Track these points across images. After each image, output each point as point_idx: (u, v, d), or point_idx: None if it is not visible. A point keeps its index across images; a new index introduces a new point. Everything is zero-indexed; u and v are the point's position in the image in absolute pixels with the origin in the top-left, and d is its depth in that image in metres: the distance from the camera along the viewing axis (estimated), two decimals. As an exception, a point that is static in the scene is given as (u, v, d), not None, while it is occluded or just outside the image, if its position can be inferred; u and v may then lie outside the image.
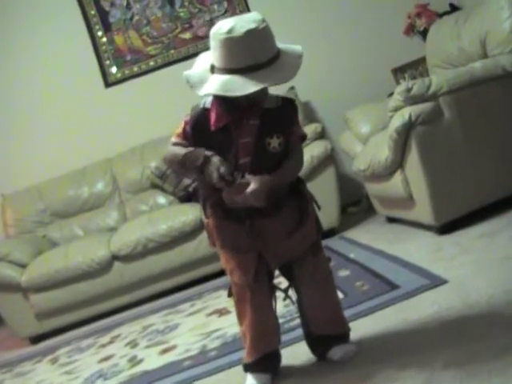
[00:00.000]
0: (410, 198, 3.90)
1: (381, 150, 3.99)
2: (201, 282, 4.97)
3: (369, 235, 4.56)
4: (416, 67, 5.41)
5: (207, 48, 2.35)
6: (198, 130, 2.33)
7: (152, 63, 6.07)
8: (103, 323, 4.86)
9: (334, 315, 2.49)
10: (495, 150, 3.71)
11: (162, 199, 5.67)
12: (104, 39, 6.05)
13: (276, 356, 2.51)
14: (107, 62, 6.07)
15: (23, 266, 5.09)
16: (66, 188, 5.87)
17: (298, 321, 2.67)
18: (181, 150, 2.33)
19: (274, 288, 2.48)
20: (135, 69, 6.08)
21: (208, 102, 2.34)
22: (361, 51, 5.89)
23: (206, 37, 5.81)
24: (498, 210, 3.65)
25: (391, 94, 4.30)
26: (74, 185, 5.87)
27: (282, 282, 2.57)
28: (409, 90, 3.61)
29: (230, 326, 3.26)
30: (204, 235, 2.54)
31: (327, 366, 2.42)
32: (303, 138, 2.45)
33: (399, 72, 5.49)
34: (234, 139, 2.29)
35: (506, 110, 3.72)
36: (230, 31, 2.13)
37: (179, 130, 2.37)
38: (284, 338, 2.58)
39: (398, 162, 3.87)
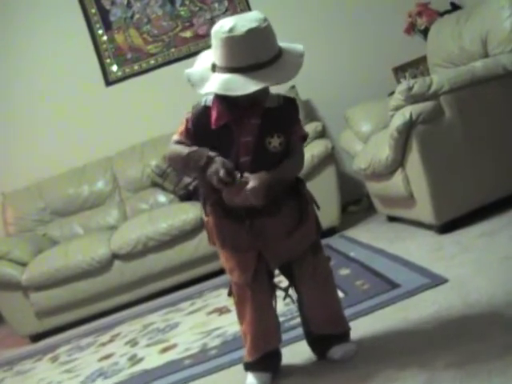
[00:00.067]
0: (411, 196, 3.90)
1: (381, 149, 3.99)
2: (201, 281, 4.97)
3: (369, 234, 4.55)
4: (417, 66, 5.41)
5: (208, 47, 2.35)
6: (199, 127, 2.32)
7: (152, 62, 6.07)
8: (103, 322, 4.85)
9: (335, 314, 2.49)
10: (496, 149, 3.71)
11: (162, 198, 5.67)
12: (104, 38, 6.05)
13: (276, 355, 2.51)
14: (108, 61, 6.07)
15: (23, 264, 5.09)
16: (66, 186, 5.87)
17: (298, 320, 2.66)
18: (183, 149, 2.32)
19: (274, 287, 2.48)
20: (136, 67, 6.08)
21: (209, 100, 2.34)
22: (361, 50, 5.89)
23: (207, 35, 5.87)
24: (498, 209, 3.65)
25: (392, 93, 4.31)
26: (74, 183, 5.88)
27: (282, 280, 2.56)
28: (410, 88, 3.61)
29: (231, 324, 3.26)
30: (204, 234, 2.53)
31: (327, 365, 2.42)
32: (304, 137, 2.44)
33: (400, 71, 5.49)
34: (235, 138, 2.29)
35: (507, 109, 3.72)
36: (231, 30, 2.13)
37: (181, 127, 2.37)
38: (284, 336, 2.58)
39: (399, 161, 3.87)
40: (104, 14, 6.04)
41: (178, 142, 2.36)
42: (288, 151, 2.34)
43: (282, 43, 2.27)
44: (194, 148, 2.30)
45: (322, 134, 5.13)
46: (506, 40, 3.85)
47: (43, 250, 5.30)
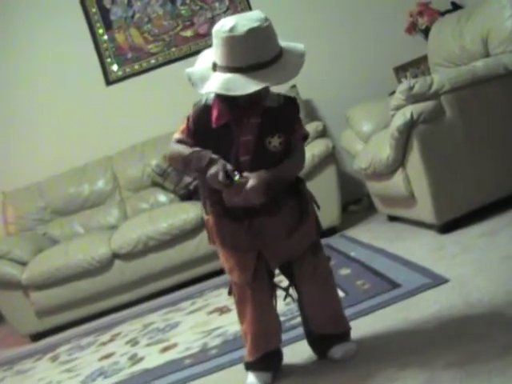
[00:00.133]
0: (412, 196, 3.90)
1: (382, 149, 3.99)
2: (202, 280, 4.97)
3: (370, 234, 4.55)
4: (418, 66, 5.40)
5: (208, 46, 2.35)
6: (200, 126, 2.32)
7: (153, 61, 6.07)
8: (104, 321, 4.85)
9: (335, 314, 2.49)
10: (497, 148, 3.71)
11: (162, 197, 5.67)
12: (105, 37, 6.05)
13: (277, 354, 2.50)
14: (108, 60, 6.07)
15: (24, 263, 5.09)
16: (66, 186, 5.87)
17: (298, 319, 2.66)
18: (185, 149, 2.32)
19: (274, 286, 2.48)
20: (136, 67, 6.07)
21: (210, 98, 2.33)
22: (362, 50, 5.89)
23: (207, 35, 5.88)
24: (499, 208, 3.65)
25: (393, 93, 4.31)
26: (75, 182, 5.88)
27: (282, 280, 2.56)
28: (410, 88, 3.61)
29: (231, 324, 3.26)
30: (205, 233, 2.53)
31: (328, 364, 2.42)
32: (305, 137, 2.43)
33: (401, 70, 5.48)
34: (235, 137, 2.29)
35: (508, 108, 3.72)
36: (232, 29, 2.12)
37: (182, 126, 2.37)
38: (285, 336, 2.57)
39: (400, 161, 3.87)
40: (104, 13, 6.04)
41: (180, 141, 2.36)
42: (288, 151, 2.34)
43: (283, 42, 2.26)
44: (197, 149, 2.29)
45: (323, 133, 5.13)
46: (507, 39, 3.85)
47: (43, 249, 5.30)
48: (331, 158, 4.98)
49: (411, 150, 3.72)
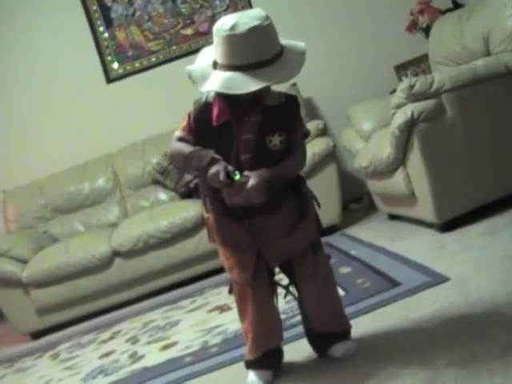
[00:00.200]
0: (412, 195, 3.90)
1: (383, 147, 3.99)
2: (202, 279, 4.96)
3: (370, 232, 4.55)
4: (418, 64, 5.40)
5: (209, 44, 2.35)
6: (201, 123, 2.32)
7: (154, 59, 6.06)
8: (104, 319, 4.85)
9: (335, 313, 2.49)
10: (497, 147, 3.71)
11: (163, 195, 5.67)
12: (106, 35, 6.05)
13: (278, 353, 2.51)
14: (109, 58, 6.06)
15: (24, 261, 5.09)
16: (66, 183, 5.87)
17: (299, 317, 2.67)
18: (186, 148, 2.31)
19: (275, 285, 2.48)
20: (137, 65, 6.07)
21: (210, 96, 2.33)
22: (363, 48, 5.89)
23: (208, 33, 5.87)
24: (499, 208, 3.65)
25: (393, 91, 4.30)
26: (75, 180, 5.87)
27: (282, 278, 2.56)
28: (411, 87, 3.61)
29: (231, 322, 3.26)
30: (205, 231, 2.53)
31: (328, 362, 2.42)
32: (306, 135, 2.43)
33: (401, 69, 5.48)
34: (236, 135, 2.28)
35: (509, 107, 3.72)
36: (232, 28, 2.12)
37: (183, 123, 2.36)
38: (285, 334, 2.57)
39: (400, 160, 3.87)
40: (105, 11, 6.04)
41: (180, 139, 2.35)
42: (289, 149, 2.33)
43: (284, 40, 2.26)
44: (197, 148, 2.29)
45: (324, 132, 5.12)
46: (508, 38, 3.84)
47: (44, 247, 5.30)
48: (332, 156, 4.98)
49: (412, 148, 3.72)
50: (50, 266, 4.99)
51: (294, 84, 5.35)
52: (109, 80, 6.09)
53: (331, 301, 2.49)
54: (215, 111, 2.30)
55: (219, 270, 4.54)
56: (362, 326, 2.62)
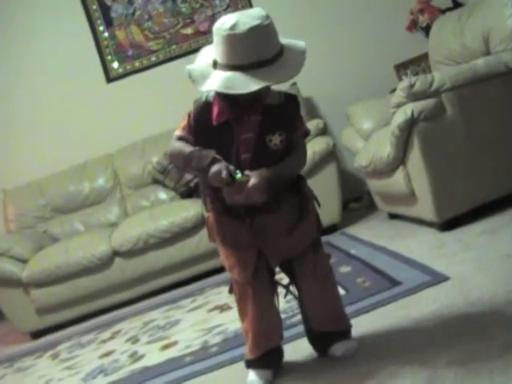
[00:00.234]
0: (412, 194, 3.90)
1: (383, 147, 3.99)
2: (202, 278, 4.96)
3: (370, 231, 4.55)
4: (418, 63, 5.40)
5: (209, 43, 2.34)
6: (201, 122, 2.32)
7: (153, 58, 6.07)
8: (104, 319, 4.85)
9: (335, 312, 2.49)
10: (497, 146, 3.71)
11: (163, 195, 5.67)
12: (106, 34, 6.05)
13: (278, 352, 2.50)
14: (109, 57, 6.06)
15: (24, 261, 5.09)
16: (66, 183, 5.87)
17: (299, 317, 2.67)
18: (186, 148, 2.31)
19: (275, 284, 2.48)
20: (137, 64, 6.07)
21: (210, 95, 2.32)
22: (363, 47, 5.89)
23: (208, 32, 5.87)
24: (499, 207, 3.64)
25: (393, 91, 4.30)
26: (75, 180, 5.87)
27: (283, 278, 2.56)
28: (411, 86, 3.61)
29: (232, 321, 3.26)
30: (205, 231, 2.53)
31: (329, 362, 2.42)
32: (306, 134, 2.43)
33: (401, 68, 5.48)
34: (236, 135, 2.28)
35: (509, 106, 3.71)
36: (233, 27, 2.12)
37: (183, 122, 2.36)
38: (285, 333, 2.57)
39: (400, 159, 3.87)
40: (105, 10, 6.04)
41: (180, 138, 2.35)
42: (289, 148, 2.33)
43: (284, 39, 2.26)
44: (197, 148, 2.29)
45: (324, 131, 5.13)
46: (508, 37, 3.84)
47: (44, 246, 5.30)
48: (332, 155, 4.98)
49: (412, 147, 3.72)
50: (50, 265, 4.99)
51: (294, 83, 5.35)
52: (109, 79, 6.09)
53: (331, 300, 2.49)
54: (215, 111, 2.30)
55: (219, 270, 4.54)
56: (362, 325, 2.62)
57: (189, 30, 6.04)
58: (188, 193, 5.37)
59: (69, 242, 5.27)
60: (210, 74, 2.21)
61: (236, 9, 5.84)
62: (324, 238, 2.57)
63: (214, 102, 2.30)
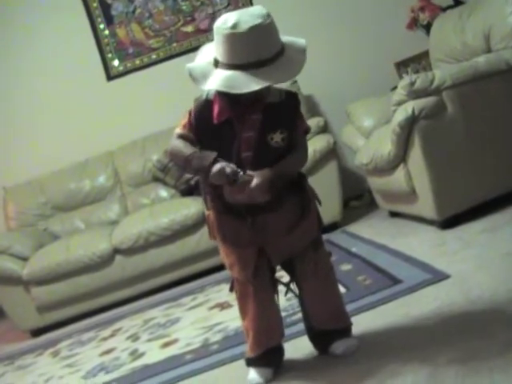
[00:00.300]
0: (413, 192, 3.89)
1: (383, 144, 3.98)
2: (202, 276, 4.96)
3: (371, 229, 4.55)
4: (419, 61, 5.40)
5: (209, 41, 2.33)
6: (201, 121, 2.31)
7: (154, 56, 6.06)
8: (104, 316, 4.85)
9: (336, 310, 2.49)
10: (498, 144, 3.70)
11: (163, 192, 5.67)
12: (106, 32, 6.05)
13: (279, 350, 2.50)
14: (109, 55, 6.06)
15: (24, 259, 5.09)
16: (67, 181, 5.87)
17: (299, 315, 2.66)
18: (187, 148, 2.30)
19: (276, 282, 2.48)
20: (137, 62, 6.07)
21: (211, 93, 2.32)
22: (363, 45, 5.88)
23: (208, 30, 5.86)
24: (500, 205, 3.64)
25: (394, 88, 4.30)
26: (76, 178, 5.87)
27: (283, 275, 2.55)
28: (412, 84, 3.60)
29: (232, 319, 3.26)
30: (206, 229, 2.53)
31: (329, 360, 2.42)
32: (307, 131, 2.43)
33: (402, 66, 5.47)
34: (237, 133, 2.28)
35: (509, 104, 3.71)
36: (234, 26, 2.11)
37: (184, 120, 2.35)
38: (286, 331, 2.57)
39: (401, 157, 3.87)
40: (106, 8, 6.03)
41: (181, 136, 2.34)
42: (291, 146, 2.33)
43: (284, 37, 2.25)
44: (197, 149, 2.28)
45: (324, 129, 5.13)
46: (509, 35, 3.84)
47: (44, 244, 5.30)
48: (332, 153, 4.97)
49: (412, 145, 3.71)
50: (50, 263, 4.99)
51: (295, 81, 5.34)
52: (109, 77, 6.08)
53: (332, 298, 2.49)
54: (216, 109, 2.29)
55: (220, 268, 4.53)
56: (362, 323, 2.62)
57: (189, 28, 6.03)
58: (188, 190, 5.37)
59: (69, 239, 5.27)
60: (210, 72, 2.20)
61: (236, 7, 5.83)
62: (325, 236, 2.58)
63: (215, 101, 2.30)
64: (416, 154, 3.71)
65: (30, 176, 5.90)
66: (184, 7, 6.02)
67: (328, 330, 2.44)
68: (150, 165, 5.73)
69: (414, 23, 5.38)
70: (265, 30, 2.14)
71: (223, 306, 3.73)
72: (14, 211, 5.82)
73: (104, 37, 6.05)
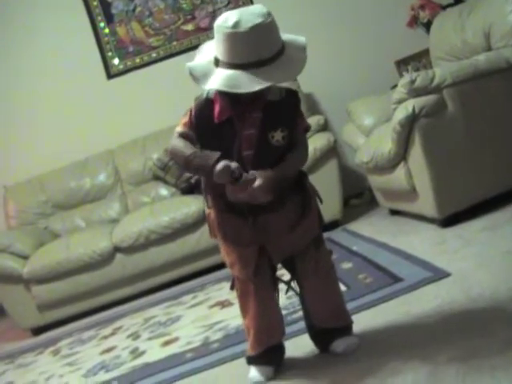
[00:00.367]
0: (413, 190, 3.89)
1: (384, 143, 3.98)
2: (203, 274, 4.97)
3: (371, 228, 4.55)
4: (419, 59, 5.39)
5: (209, 40, 2.33)
6: (202, 120, 2.31)
7: (154, 55, 6.06)
8: (105, 315, 4.86)
9: (337, 308, 2.49)
10: (498, 142, 3.70)
11: (164, 191, 5.67)
12: (106, 30, 6.05)
13: (280, 348, 2.50)
14: (109, 54, 6.06)
15: (25, 257, 5.09)
16: (67, 179, 5.87)
17: (300, 313, 2.66)
18: (187, 148, 2.30)
19: (276, 280, 2.48)
20: (137, 60, 6.07)
21: (211, 92, 2.31)
22: (364, 43, 5.88)
23: (209, 28, 5.86)
24: (500, 203, 3.64)
25: (394, 86, 4.30)
26: (76, 176, 5.88)
27: (284, 274, 2.55)
28: (412, 82, 3.60)
29: (233, 317, 3.26)
30: (206, 227, 2.53)
31: (330, 358, 2.42)
32: (307, 129, 2.43)
33: (402, 64, 5.47)
34: (237, 132, 2.28)
35: (510, 102, 3.71)
36: (235, 25, 2.10)
37: (185, 118, 2.35)
38: (287, 330, 2.57)
39: (401, 155, 3.86)
40: (106, 6, 6.03)
41: (182, 134, 2.34)
42: (291, 144, 2.33)
43: (285, 35, 2.25)
44: (198, 148, 2.28)
45: (325, 127, 5.12)
46: (509, 33, 3.84)
47: (45, 243, 5.31)
48: (333, 151, 4.97)
49: (413, 143, 3.71)
50: (50, 261, 4.99)
51: (295, 79, 5.34)
52: (109, 76, 6.09)
53: (333, 296, 2.49)
54: (217, 108, 2.29)
55: (220, 266, 4.54)
56: (363, 321, 2.62)
57: (189, 27, 6.03)
58: (189, 189, 5.37)
59: (70, 238, 5.27)
60: (211, 71, 2.20)
61: (237, 5, 5.82)
62: (325, 235, 2.58)
63: (215, 100, 2.30)
64: (416, 152, 3.71)
65: (30, 174, 5.91)
66: (184, 5, 6.02)
67: (329, 328, 2.45)
68: (150, 163, 5.73)
69: (414, 21, 5.38)
70: (266, 29, 2.14)
71: (224, 304, 3.73)
72: (15, 210, 5.83)
73: (104, 35, 6.05)
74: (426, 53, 5.11)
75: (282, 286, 2.50)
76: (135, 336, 3.76)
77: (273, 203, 2.28)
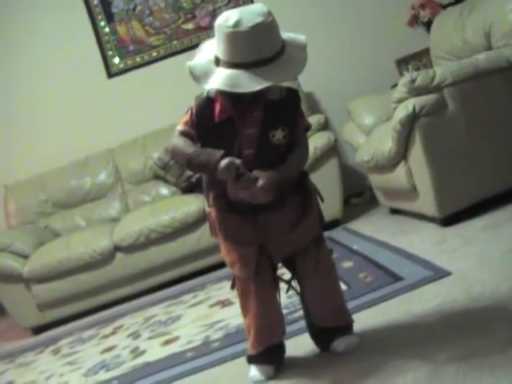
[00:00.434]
0: (414, 189, 3.89)
1: (384, 142, 3.98)
2: (203, 273, 4.97)
3: (372, 227, 4.55)
4: (420, 58, 5.39)
5: (210, 39, 2.33)
6: (203, 119, 2.31)
7: (154, 54, 6.06)
8: (105, 314, 4.86)
9: (337, 307, 2.49)
10: (499, 141, 3.70)
11: (164, 190, 5.67)
12: (107, 29, 6.05)
13: (280, 348, 2.50)
14: (110, 53, 6.06)
15: (25, 256, 5.10)
16: (68, 178, 5.87)
17: (301, 312, 2.66)
18: (188, 147, 2.30)
19: (277, 280, 2.48)
20: (138, 59, 6.07)
21: (212, 91, 2.31)
22: (364, 42, 5.88)
23: (209, 27, 5.86)
24: (501, 202, 3.64)
25: (395, 86, 4.29)
26: (76, 175, 5.88)
27: (284, 273, 2.55)
28: (413, 81, 3.60)
29: (233, 317, 3.26)
30: (206, 226, 2.53)
31: (330, 357, 2.42)
32: (307, 128, 2.43)
33: (403, 63, 5.47)
34: (238, 131, 2.28)
35: (510, 101, 3.71)
36: (236, 25, 2.10)
37: (186, 117, 2.35)
38: (287, 329, 2.56)
39: (402, 154, 3.86)
40: (106, 5, 6.03)
41: (183, 133, 2.34)
42: (291, 143, 2.33)
43: (285, 34, 2.24)
44: (199, 147, 2.28)
45: (325, 126, 5.12)
46: (510, 32, 3.84)
47: (45, 242, 5.31)
48: (333, 150, 4.97)
49: (413, 142, 3.71)
50: (51, 260, 4.99)
51: (296, 78, 5.33)
52: (110, 75, 6.09)
53: (333, 295, 2.48)
54: (217, 108, 2.29)
55: (221, 265, 4.53)
56: (364, 320, 2.62)
57: (190, 26, 6.03)
58: (189, 188, 5.37)
59: (70, 237, 5.27)
60: (212, 71, 2.19)
61: (237, 4, 5.82)
62: (326, 234, 2.58)
63: (216, 99, 2.30)
64: (417, 152, 3.71)
65: (30, 173, 5.91)
66: (184, 5, 6.02)
67: (329, 327, 2.44)
68: (150, 162, 5.73)
69: (414, 20, 5.37)
70: (266, 29, 2.13)
71: (224, 303, 3.73)
72: (15, 209, 5.83)
73: (104, 34, 6.05)
74: (426, 52, 5.11)
75: (282, 285, 2.50)
76: (135, 335, 3.76)
77: (274, 203, 2.28)
